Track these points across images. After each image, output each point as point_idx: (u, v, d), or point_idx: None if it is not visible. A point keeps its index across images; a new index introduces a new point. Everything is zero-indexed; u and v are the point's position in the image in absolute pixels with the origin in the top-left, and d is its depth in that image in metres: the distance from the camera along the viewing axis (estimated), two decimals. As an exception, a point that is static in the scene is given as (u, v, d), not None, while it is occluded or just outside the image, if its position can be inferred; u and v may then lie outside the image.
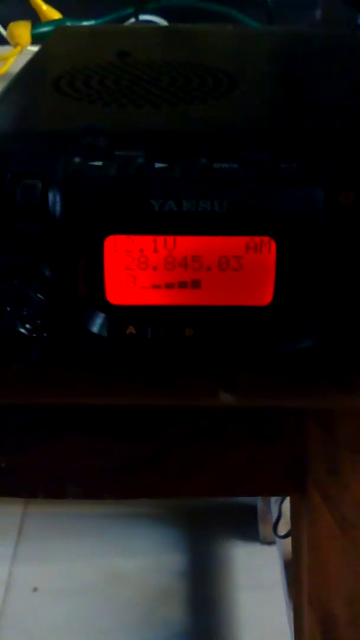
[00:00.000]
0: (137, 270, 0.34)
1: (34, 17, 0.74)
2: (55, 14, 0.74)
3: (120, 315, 0.35)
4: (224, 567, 1.16)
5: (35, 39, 0.70)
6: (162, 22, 0.76)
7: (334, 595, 0.59)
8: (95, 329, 0.34)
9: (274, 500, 1.08)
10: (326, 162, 0.33)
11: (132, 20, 0.74)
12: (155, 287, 0.35)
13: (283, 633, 0.89)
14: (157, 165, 0.33)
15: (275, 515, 1.01)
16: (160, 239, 0.34)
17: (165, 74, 0.46)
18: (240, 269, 0.34)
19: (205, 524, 1.20)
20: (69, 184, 0.32)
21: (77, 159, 0.33)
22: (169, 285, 0.35)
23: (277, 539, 1.04)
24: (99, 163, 0.33)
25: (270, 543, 1.16)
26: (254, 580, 1.13)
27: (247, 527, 1.19)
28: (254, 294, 0.35)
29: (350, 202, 0.33)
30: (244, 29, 0.61)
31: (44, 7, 0.74)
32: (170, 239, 0.33)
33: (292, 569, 0.68)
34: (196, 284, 0.35)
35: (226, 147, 0.34)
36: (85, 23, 0.72)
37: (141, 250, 0.34)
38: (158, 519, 1.19)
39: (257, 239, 0.33)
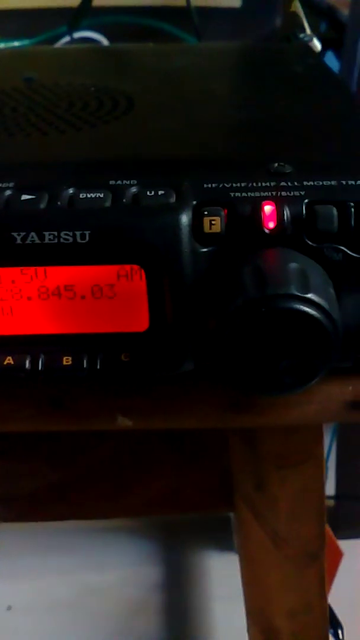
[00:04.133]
0: (11, 300, 0.34)
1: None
2: (-10, 37, 0.75)
3: (-2, 346, 0.35)
4: (198, 578, 1.16)
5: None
6: (99, 37, 0.76)
7: (275, 608, 0.60)
8: (-28, 361, 0.35)
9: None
10: (190, 188, 0.33)
11: (67, 38, 0.75)
12: (31, 317, 0.35)
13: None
14: (24, 196, 0.33)
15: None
16: (31, 269, 0.34)
17: (66, 98, 0.46)
18: (114, 297, 0.34)
19: (179, 535, 1.20)
20: None
21: None
22: (45, 315, 0.35)
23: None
24: (-31, 197, 0.33)
25: (244, 553, 1.15)
26: (229, 591, 1.12)
27: (222, 538, 1.19)
28: (131, 321, 0.35)
29: (216, 228, 0.33)
30: (164, 46, 0.61)
31: (-23, 29, 0.74)
32: (40, 269, 0.34)
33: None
34: (72, 313, 0.35)
35: (96, 176, 0.34)
36: (17, 43, 0.72)
37: (13, 282, 0.34)
38: (131, 532, 1.19)
39: (127, 267, 0.33)
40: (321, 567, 0.57)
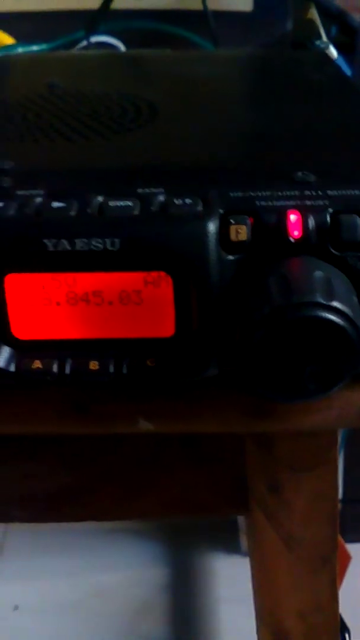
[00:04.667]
0: (40, 306, 0.35)
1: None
2: (7, 39, 0.76)
3: (26, 350, 0.35)
4: (205, 579, 1.16)
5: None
6: (116, 43, 0.77)
7: (286, 610, 0.60)
8: (1, 364, 0.35)
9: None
10: (217, 196, 0.34)
11: (84, 42, 0.75)
12: (59, 322, 0.35)
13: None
14: (55, 204, 0.34)
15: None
16: (60, 276, 0.34)
17: (89, 105, 0.47)
18: (141, 303, 0.35)
19: (186, 536, 1.20)
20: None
21: (-22, 201, 0.34)
22: (73, 320, 0.35)
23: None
24: (0, 204, 0.34)
25: (251, 555, 1.16)
26: (235, 593, 1.13)
27: (229, 539, 1.19)
28: (157, 327, 0.35)
29: (242, 237, 0.33)
30: (182, 53, 0.62)
31: (-3, 33, 0.75)
32: (70, 275, 0.34)
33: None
34: (99, 318, 0.35)
35: (124, 184, 0.35)
36: (35, 47, 0.73)
37: (43, 287, 0.35)
38: (138, 533, 1.19)
39: (154, 274, 0.34)
40: (333, 570, 0.58)
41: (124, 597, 1.12)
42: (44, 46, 0.74)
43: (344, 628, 0.83)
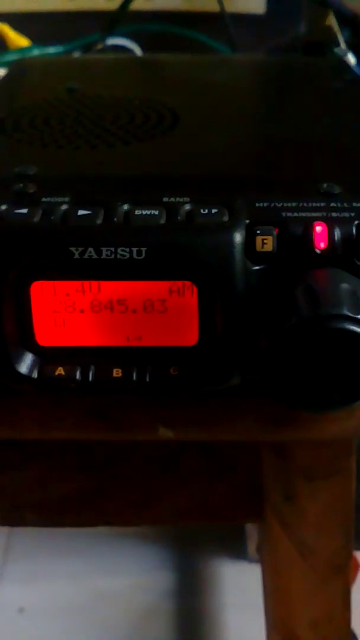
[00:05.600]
0: (64, 313, 0.35)
1: (1, 45, 0.75)
2: (23, 41, 0.75)
3: (49, 356, 0.35)
4: (211, 585, 1.16)
5: (1, 67, 0.71)
6: (132, 45, 0.77)
7: (298, 618, 0.60)
8: (24, 370, 0.35)
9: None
10: (243, 206, 0.34)
11: (100, 45, 0.75)
12: (83, 329, 0.35)
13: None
14: (81, 212, 0.34)
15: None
16: (85, 283, 0.34)
17: (110, 110, 0.47)
18: (165, 312, 0.35)
19: (193, 542, 1.20)
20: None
21: (3, 206, 0.34)
22: (96, 327, 0.35)
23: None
24: (24, 210, 0.34)
25: (259, 561, 1.15)
26: (242, 599, 1.13)
27: (235, 545, 1.19)
28: (180, 335, 0.35)
29: (268, 247, 0.33)
30: (201, 58, 0.62)
31: (11, 34, 0.75)
32: (94, 283, 0.34)
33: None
34: (123, 326, 0.35)
35: (150, 192, 0.35)
36: (51, 49, 0.73)
37: (68, 294, 0.35)
38: (144, 538, 1.19)
39: (180, 283, 0.34)
40: (346, 579, 0.58)
41: (129, 602, 1.12)
42: (60, 48, 0.74)
43: (353, 637, 0.82)
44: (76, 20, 0.85)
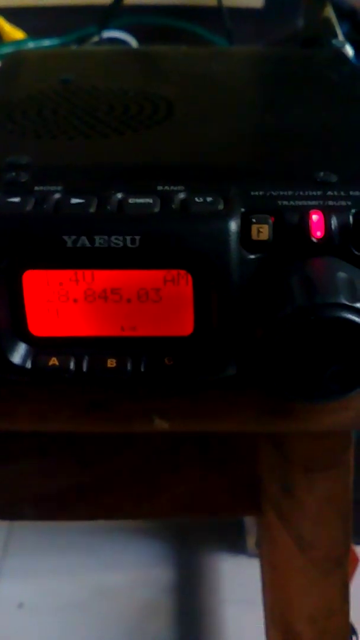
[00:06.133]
0: (58, 302, 0.35)
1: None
2: (18, 34, 0.75)
3: (43, 346, 0.35)
4: (211, 580, 1.16)
5: (-2, 59, 0.71)
6: (128, 38, 0.76)
7: (297, 613, 0.60)
8: (17, 360, 0.35)
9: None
10: (238, 195, 0.33)
11: (96, 38, 0.75)
12: (76, 318, 0.35)
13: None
14: (74, 200, 0.33)
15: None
16: (78, 272, 0.34)
17: (105, 101, 0.46)
18: (159, 301, 0.34)
19: (192, 537, 1.20)
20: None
21: (-4, 195, 0.34)
22: (90, 317, 0.35)
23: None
24: (17, 199, 0.33)
25: (258, 556, 1.15)
26: (241, 594, 1.12)
27: (235, 540, 1.19)
28: (175, 325, 0.35)
29: (263, 236, 0.33)
30: (197, 50, 0.61)
31: (7, 27, 0.74)
32: (88, 272, 0.34)
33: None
34: (117, 316, 0.35)
35: (144, 181, 0.35)
36: (47, 42, 0.72)
37: (61, 284, 0.34)
38: (144, 533, 1.19)
39: (174, 272, 0.34)
40: (344, 573, 0.58)
41: (128, 597, 1.12)
42: (55, 41, 0.74)
43: (351, 630, 0.82)
44: (73, 14, 0.84)
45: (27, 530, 1.18)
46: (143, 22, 0.77)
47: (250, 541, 1.17)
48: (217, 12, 0.73)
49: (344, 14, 0.85)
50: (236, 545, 1.18)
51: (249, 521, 1.16)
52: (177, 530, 1.20)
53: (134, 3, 0.78)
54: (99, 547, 1.17)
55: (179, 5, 0.84)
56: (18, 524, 1.19)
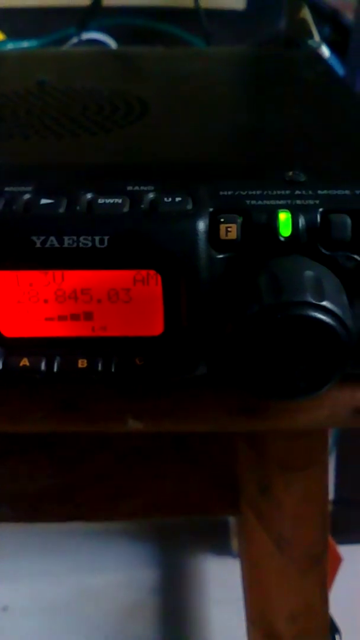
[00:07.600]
0: (28, 303, 0.35)
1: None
2: (-2, 35, 0.75)
3: (13, 347, 0.35)
4: (196, 581, 1.16)
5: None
6: (107, 40, 0.77)
7: (277, 612, 0.60)
8: (-12, 361, 0.35)
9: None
10: (207, 194, 0.33)
11: (75, 39, 0.75)
12: (47, 319, 0.35)
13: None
14: (43, 200, 0.33)
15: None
16: (49, 273, 0.34)
17: (79, 102, 0.46)
18: (130, 301, 0.35)
19: (177, 538, 1.20)
20: None
21: (-35, 197, 0.34)
22: (61, 318, 0.35)
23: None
24: (-14, 200, 0.33)
25: (242, 556, 1.15)
26: (226, 595, 1.12)
27: (220, 541, 1.19)
28: (145, 325, 0.35)
29: (232, 235, 0.33)
30: (174, 50, 0.62)
31: (-15, 28, 0.75)
32: (58, 273, 0.34)
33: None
34: (88, 316, 0.35)
35: (114, 181, 0.35)
36: (26, 43, 0.72)
37: (31, 285, 0.34)
38: (129, 534, 1.19)
39: (144, 272, 0.34)
40: (323, 571, 0.58)
41: (113, 599, 1.12)
42: (34, 42, 0.74)
43: (334, 629, 0.82)
44: (52, 16, 0.84)
45: (10, 534, 1.18)
46: (122, 24, 0.78)
47: (235, 542, 1.17)
48: (195, 14, 0.74)
49: (325, 16, 0.85)
50: (221, 546, 1.18)
51: (234, 522, 1.16)
52: (162, 531, 1.20)
53: (113, 5, 0.78)
54: (83, 549, 1.17)
55: (158, 7, 0.84)
56: (1, 527, 1.19)
